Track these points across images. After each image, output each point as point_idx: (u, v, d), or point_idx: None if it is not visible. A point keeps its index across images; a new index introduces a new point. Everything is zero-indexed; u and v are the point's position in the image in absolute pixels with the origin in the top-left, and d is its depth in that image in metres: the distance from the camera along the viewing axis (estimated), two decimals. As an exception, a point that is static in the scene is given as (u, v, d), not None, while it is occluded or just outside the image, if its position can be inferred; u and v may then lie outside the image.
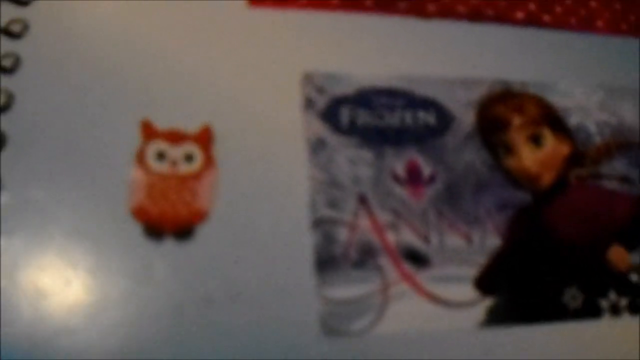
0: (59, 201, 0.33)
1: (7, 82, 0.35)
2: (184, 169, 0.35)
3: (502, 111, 0.39)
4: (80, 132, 0.35)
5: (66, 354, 0.30)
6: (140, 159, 0.35)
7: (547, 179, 0.39)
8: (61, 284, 0.32)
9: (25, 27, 0.37)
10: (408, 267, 0.35)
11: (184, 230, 0.34)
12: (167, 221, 0.34)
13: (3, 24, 0.37)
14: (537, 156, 0.39)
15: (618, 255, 0.37)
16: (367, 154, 0.37)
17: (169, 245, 0.33)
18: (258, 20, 0.39)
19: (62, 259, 0.32)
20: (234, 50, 0.38)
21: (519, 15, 0.43)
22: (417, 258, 0.35)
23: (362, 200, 0.36)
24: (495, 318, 0.35)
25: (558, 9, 0.44)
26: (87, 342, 0.31)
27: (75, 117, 0.35)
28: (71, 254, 0.32)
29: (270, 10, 0.39)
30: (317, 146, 0.36)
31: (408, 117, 0.38)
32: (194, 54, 0.38)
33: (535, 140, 0.39)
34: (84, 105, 0.35)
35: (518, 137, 0.39)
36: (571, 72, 0.42)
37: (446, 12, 0.42)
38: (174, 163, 0.35)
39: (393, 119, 0.38)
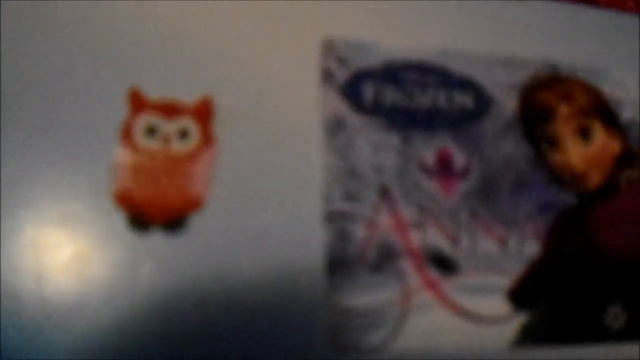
0: (31, 182, 0.28)
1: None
2: (178, 147, 0.29)
3: (548, 99, 0.34)
4: (60, 101, 0.29)
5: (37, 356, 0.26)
6: (127, 134, 0.29)
7: (595, 179, 0.34)
8: (32, 280, 0.27)
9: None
10: (433, 273, 0.30)
11: (174, 221, 0.29)
12: (156, 209, 0.28)
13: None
14: (585, 152, 0.34)
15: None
16: (392, 139, 0.32)
17: (157, 237, 0.28)
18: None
19: (33, 251, 0.27)
20: (242, 7, 0.33)
21: (571, -12, 0.38)
22: (444, 263, 0.31)
23: (385, 192, 0.31)
24: (530, 337, 0.31)
25: (614, -16, 0.39)
26: (61, 344, 0.26)
27: (54, 83, 0.29)
28: (44, 245, 0.27)
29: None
30: (335, 127, 0.31)
31: (441, 98, 0.33)
32: (195, 11, 0.32)
33: (584, 134, 0.34)
34: (65, 69, 0.30)
35: (565, 129, 0.34)
36: (625, 59, 0.37)
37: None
38: (166, 140, 0.29)
39: (424, 99, 0.32)
